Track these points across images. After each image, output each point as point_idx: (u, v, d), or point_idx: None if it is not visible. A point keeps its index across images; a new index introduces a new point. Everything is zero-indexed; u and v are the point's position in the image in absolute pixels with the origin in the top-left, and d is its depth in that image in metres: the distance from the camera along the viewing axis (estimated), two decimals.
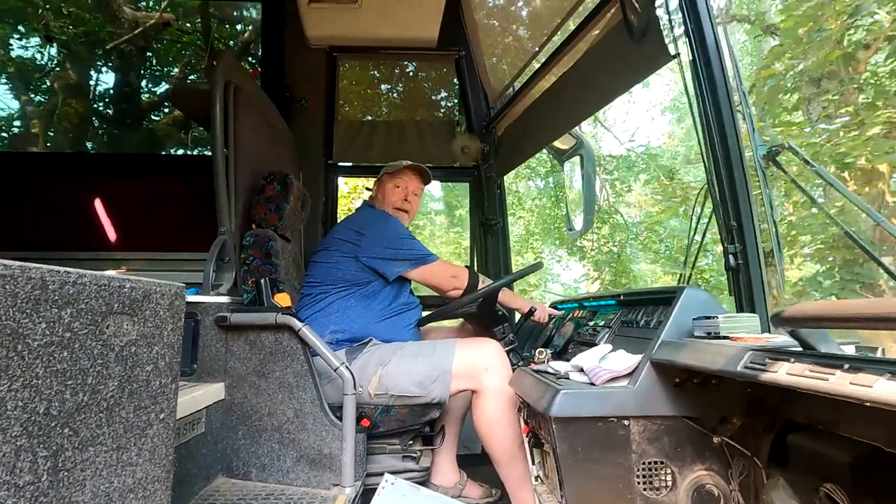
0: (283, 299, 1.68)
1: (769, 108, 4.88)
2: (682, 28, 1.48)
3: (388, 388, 1.64)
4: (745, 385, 1.00)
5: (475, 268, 2.88)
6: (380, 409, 1.68)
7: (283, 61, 2.88)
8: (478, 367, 1.66)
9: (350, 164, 2.95)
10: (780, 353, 0.73)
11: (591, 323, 1.72)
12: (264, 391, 1.59)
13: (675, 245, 7.54)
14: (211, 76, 1.82)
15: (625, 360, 1.22)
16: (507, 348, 1.91)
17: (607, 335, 1.53)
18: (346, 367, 1.51)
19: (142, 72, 5.68)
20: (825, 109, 4.37)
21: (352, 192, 5.99)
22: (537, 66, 2.31)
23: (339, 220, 2.92)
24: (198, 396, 1.45)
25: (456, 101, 3.00)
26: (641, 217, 8.50)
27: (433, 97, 3.09)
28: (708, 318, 1.04)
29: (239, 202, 1.87)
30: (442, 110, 3.06)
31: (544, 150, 2.99)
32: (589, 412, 1.06)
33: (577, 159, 2.78)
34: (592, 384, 1.16)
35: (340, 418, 1.53)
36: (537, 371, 1.41)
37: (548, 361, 1.74)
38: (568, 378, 1.27)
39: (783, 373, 0.69)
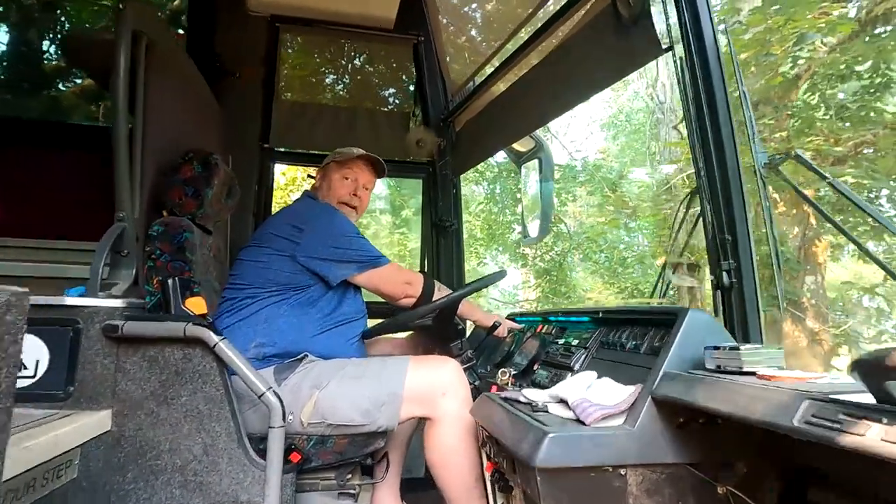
0: (196, 305, 1.35)
1: None
2: (677, 20, 1.33)
3: (326, 416, 1.36)
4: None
5: (426, 271, 2.64)
6: (314, 441, 1.40)
7: (216, 26, 2.50)
8: (434, 391, 1.42)
9: (289, 150, 2.62)
10: (859, 409, 0.56)
11: (561, 341, 1.54)
12: (165, 421, 1.26)
13: (614, 256, 7.74)
14: (116, 24, 1.46)
15: (615, 392, 1.03)
16: (465, 366, 1.70)
17: (584, 357, 1.35)
18: (274, 392, 1.22)
19: (47, 32, 4.93)
20: (760, 133, 4.59)
21: (289, 185, 5.53)
22: (504, 57, 2.12)
23: (273, 213, 2.59)
24: (68, 431, 1.10)
25: (412, 90, 2.75)
26: (582, 227, 8.66)
27: (387, 84, 2.83)
28: (725, 347, 0.87)
29: (146, 182, 1.52)
30: (397, 99, 2.81)
31: (500, 152, 2.83)
32: (583, 461, 0.86)
33: (535, 162, 2.63)
34: (580, 422, 0.96)
35: (263, 454, 1.24)
36: (507, 399, 1.20)
37: (511, 384, 1.55)
38: (547, 411, 1.07)
39: (876, 438, 0.52)
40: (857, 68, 4.48)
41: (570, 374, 1.34)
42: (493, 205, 8.70)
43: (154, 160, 1.57)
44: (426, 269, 2.65)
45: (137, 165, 1.48)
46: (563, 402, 1.09)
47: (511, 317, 2.17)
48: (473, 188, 10.50)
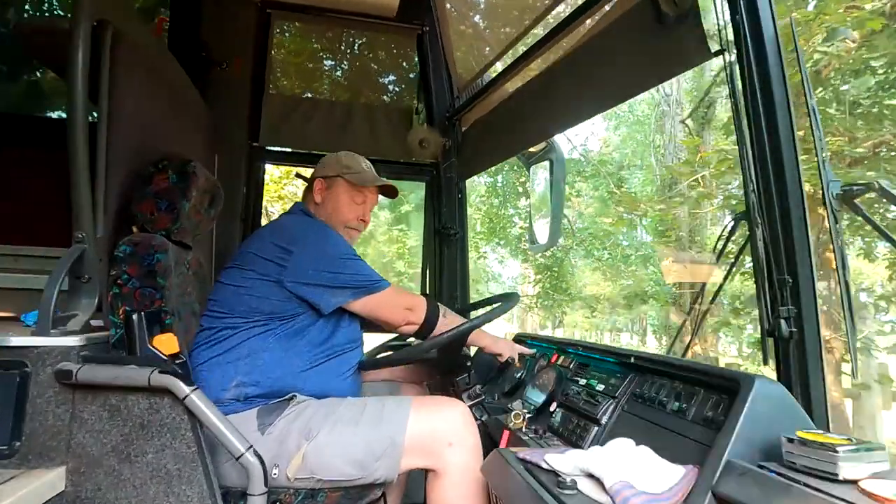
0: (166, 343, 1.17)
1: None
2: (730, 18, 1.14)
3: (315, 471, 1.19)
4: None
5: (427, 283, 2.46)
6: (302, 495, 1.23)
7: (201, 12, 2.28)
8: (438, 440, 1.25)
9: (280, 148, 2.41)
10: None
11: (583, 381, 1.36)
12: (128, 481, 1.08)
13: (618, 253, 7.56)
14: (74, 10, 1.25)
15: (662, 474, 0.86)
16: (473, 402, 1.53)
17: (612, 408, 1.17)
18: (255, 453, 1.05)
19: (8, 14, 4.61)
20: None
21: (284, 177, 5.31)
22: (519, 52, 1.91)
23: (263, 220, 2.39)
24: (15, 494, 0.93)
25: (416, 85, 2.54)
26: (584, 222, 8.47)
27: (389, 78, 2.61)
28: (814, 444, 0.69)
29: (112, 195, 1.33)
30: (398, 95, 2.59)
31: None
32: None
33: (545, 164, 2.44)
34: None
35: None
36: (526, 462, 1.03)
37: (524, 426, 1.38)
38: (576, 489, 0.90)
39: None
40: (874, 63, 4.26)
41: (595, 427, 1.18)
42: (495, 197, 8.49)
43: (122, 169, 1.37)
44: (428, 279, 2.47)
45: (101, 175, 1.29)
46: (593, 477, 0.92)
47: (519, 338, 2.00)
48: (474, 179, 10.29)
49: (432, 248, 2.46)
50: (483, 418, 1.58)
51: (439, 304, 1.56)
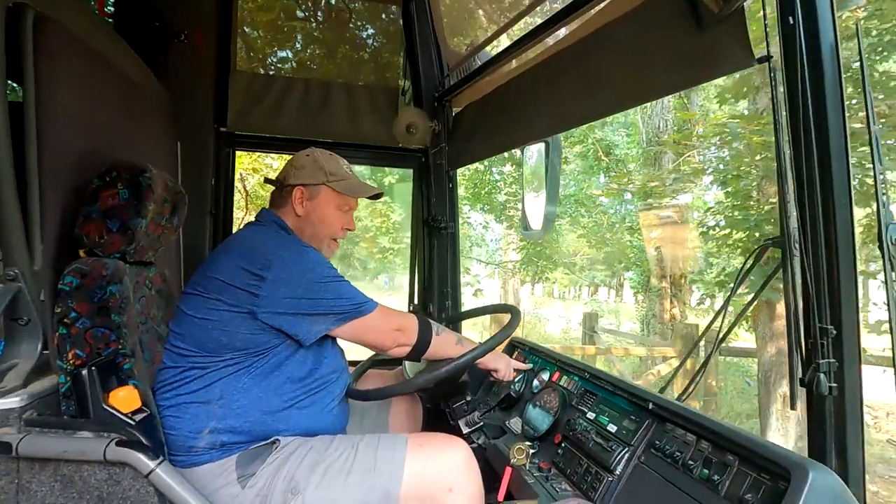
0: (125, 399, 1.02)
1: None
2: (779, 21, 0.97)
3: None
4: None
5: (415, 280, 2.32)
6: None
7: None
8: (437, 486, 1.15)
9: (251, 133, 2.17)
10: None
11: (591, 415, 1.27)
12: None
13: (603, 221, 7.50)
14: None
15: None
16: (471, 429, 1.44)
17: (627, 458, 1.08)
18: None
19: None
20: None
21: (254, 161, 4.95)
22: (522, 30, 1.70)
23: (234, 218, 2.18)
24: None
25: (402, 61, 2.29)
26: (569, 189, 8.33)
27: (371, 53, 2.35)
28: None
29: (49, 217, 1.13)
30: (382, 73, 2.34)
31: None
32: None
33: (540, 145, 2.26)
34: None
35: None
36: None
37: (527, 462, 1.29)
38: None
39: None
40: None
41: (608, 476, 1.09)
42: (479, 163, 8.23)
43: (59, 183, 1.16)
44: (416, 274, 2.32)
45: (34, 194, 1.09)
46: None
47: (515, 343, 1.90)
48: None
49: (421, 241, 2.30)
50: (480, 441, 1.49)
51: (430, 320, 1.42)
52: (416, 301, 2.29)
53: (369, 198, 1.47)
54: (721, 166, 4.66)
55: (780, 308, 4.48)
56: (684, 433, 1.00)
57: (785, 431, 4.50)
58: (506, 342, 1.79)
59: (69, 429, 0.95)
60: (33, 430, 0.94)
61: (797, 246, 1.01)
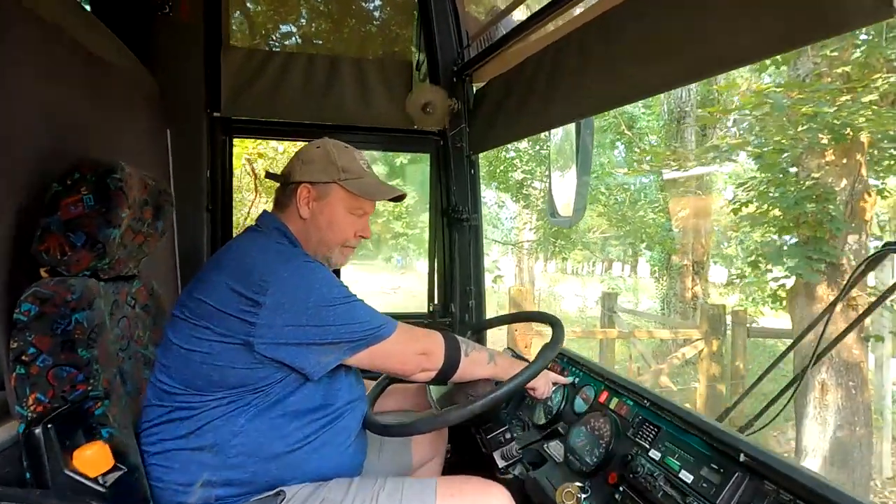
0: (93, 460, 0.83)
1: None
2: None
3: None
4: None
5: (435, 276, 2.10)
6: None
7: None
8: None
9: (248, 118, 1.94)
10: None
11: (656, 455, 1.05)
12: None
13: (626, 199, 7.17)
14: None
15: None
16: (508, 463, 1.24)
17: None
18: None
19: None
20: None
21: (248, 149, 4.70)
22: None
23: (243, 205, 1.97)
24: None
25: (416, 32, 2.02)
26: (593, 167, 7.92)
27: (381, 23, 2.08)
28: None
29: (2, 231, 0.93)
30: (394, 45, 2.07)
31: None
32: None
33: (571, 125, 2.00)
34: None
35: None
36: None
37: None
38: None
39: None
40: None
41: None
42: None
43: (15, 188, 0.96)
44: (434, 270, 2.11)
45: None
46: None
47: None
48: None
49: (440, 233, 2.08)
50: (517, 472, 1.30)
51: (457, 336, 1.21)
52: (435, 301, 2.09)
53: (389, 200, 1.24)
54: (755, 139, 4.31)
55: (820, 290, 4.22)
56: (793, 499, 0.78)
57: (823, 420, 4.27)
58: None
59: (23, 502, 0.77)
60: None
61: None
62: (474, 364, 1.20)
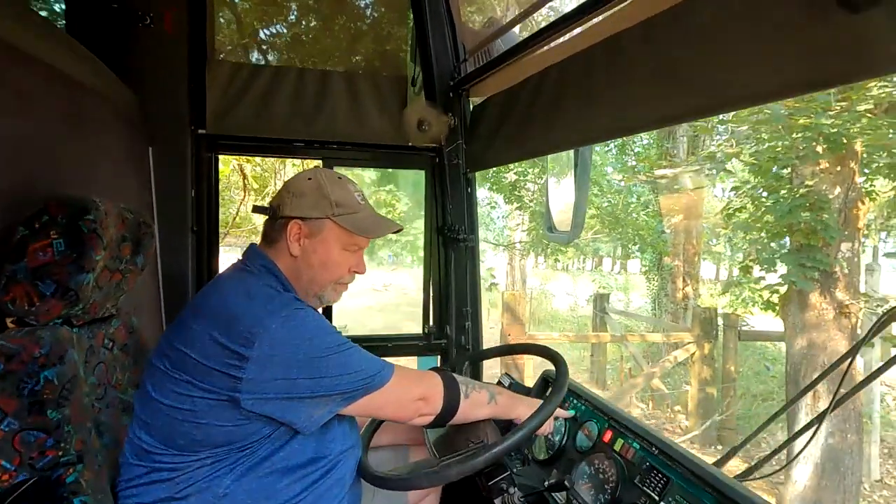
0: None
1: None
2: None
3: None
4: None
5: (430, 297, 2.04)
6: None
7: None
8: None
9: (234, 135, 1.85)
10: None
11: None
12: None
13: (619, 201, 7.16)
14: None
15: None
16: None
17: None
18: None
19: None
20: None
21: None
22: (560, 9, 1.35)
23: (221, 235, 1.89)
24: None
25: (411, 45, 1.95)
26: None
27: (374, 35, 2.00)
28: None
29: None
30: (388, 59, 2.00)
31: None
32: None
33: None
34: None
35: None
36: None
37: None
38: None
39: None
40: None
41: None
42: None
43: None
44: (429, 293, 2.04)
45: None
46: None
47: (547, 377, 1.64)
48: None
49: (436, 253, 2.02)
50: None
51: (457, 377, 1.15)
52: (430, 322, 2.02)
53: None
54: (751, 147, 4.30)
55: (813, 298, 4.22)
56: None
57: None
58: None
59: None
60: None
61: None
62: (474, 406, 1.14)
